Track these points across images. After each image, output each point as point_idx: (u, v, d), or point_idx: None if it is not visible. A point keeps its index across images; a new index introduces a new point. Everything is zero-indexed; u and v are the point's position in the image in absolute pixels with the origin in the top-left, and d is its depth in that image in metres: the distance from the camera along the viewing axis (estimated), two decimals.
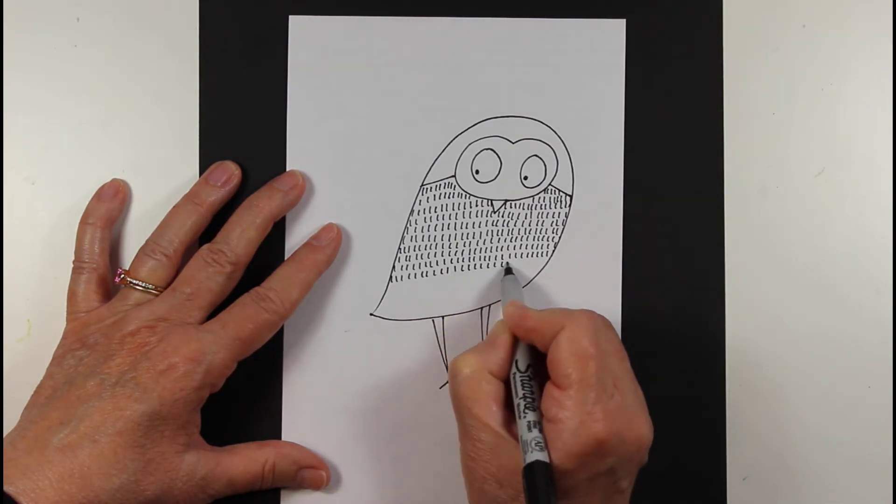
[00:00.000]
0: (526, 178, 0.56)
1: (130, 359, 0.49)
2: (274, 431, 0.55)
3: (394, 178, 0.55)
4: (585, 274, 0.56)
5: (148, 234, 0.53)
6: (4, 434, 0.50)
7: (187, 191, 0.54)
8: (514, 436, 0.47)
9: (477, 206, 0.56)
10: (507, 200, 0.56)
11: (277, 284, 0.52)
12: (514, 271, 0.55)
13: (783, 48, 0.56)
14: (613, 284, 0.56)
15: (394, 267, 0.56)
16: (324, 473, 0.55)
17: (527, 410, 0.47)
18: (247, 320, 0.51)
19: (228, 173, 0.54)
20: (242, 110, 0.55)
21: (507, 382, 0.49)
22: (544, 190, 0.56)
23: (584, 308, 0.54)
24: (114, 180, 0.55)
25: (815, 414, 0.56)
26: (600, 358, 0.46)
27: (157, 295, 0.52)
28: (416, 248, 0.55)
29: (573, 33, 0.55)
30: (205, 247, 0.52)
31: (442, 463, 0.55)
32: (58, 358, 0.51)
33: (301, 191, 0.54)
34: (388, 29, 0.55)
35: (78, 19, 0.55)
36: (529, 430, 0.46)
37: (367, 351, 0.55)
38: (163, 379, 0.49)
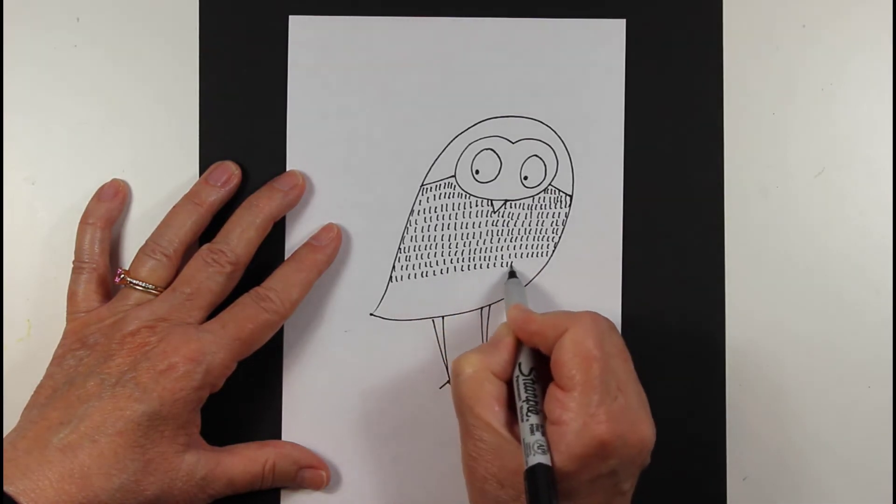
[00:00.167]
0: (526, 178, 0.56)
1: (130, 359, 0.49)
2: (274, 431, 0.55)
3: (394, 178, 0.55)
4: (585, 274, 0.56)
5: (148, 234, 0.53)
6: (4, 434, 0.50)
7: (187, 191, 0.54)
8: (516, 436, 0.47)
9: (477, 206, 0.56)
10: (507, 200, 0.56)
11: (277, 284, 0.52)
12: (517, 274, 0.55)
13: (783, 48, 0.56)
14: (613, 284, 0.56)
15: (394, 267, 0.56)
16: (324, 473, 0.55)
17: (529, 413, 0.47)
18: (247, 320, 0.51)
19: (228, 173, 0.54)
20: (242, 110, 0.55)
21: (509, 383, 0.49)
22: (544, 190, 0.56)
23: (586, 309, 0.54)
24: (114, 180, 0.55)
25: (815, 414, 0.56)
26: (604, 360, 0.46)
27: (157, 295, 0.52)
28: (416, 248, 0.56)
29: (573, 33, 0.55)
30: (205, 247, 0.52)
31: (442, 463, 0.55)
32: (58, 358, 0.51)
33: (301, 191, 0.54)
34: (388, 29, 0.55)
35: (78, 19, 0.55)
36: (532, 433, 0.46)
37: (367, 351, 0.55)
38: (163, 379, 0.49)
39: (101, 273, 0.53)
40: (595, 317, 0.48)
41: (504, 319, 0.55)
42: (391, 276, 0.55)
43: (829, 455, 0.56)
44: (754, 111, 0.56)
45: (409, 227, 0.55)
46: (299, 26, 0.55)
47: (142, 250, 0.53)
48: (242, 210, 0.53)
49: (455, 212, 0.56)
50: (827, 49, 0.56)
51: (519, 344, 0.50)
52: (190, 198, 0.54)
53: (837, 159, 0.57)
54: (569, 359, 0.47)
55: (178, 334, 0.50)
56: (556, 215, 0.56)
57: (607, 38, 0.56)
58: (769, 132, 0.56)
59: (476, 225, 0.56)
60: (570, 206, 0.56)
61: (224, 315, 0.51)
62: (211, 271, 0.52)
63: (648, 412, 0.47)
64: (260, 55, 0.55)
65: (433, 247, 0.56)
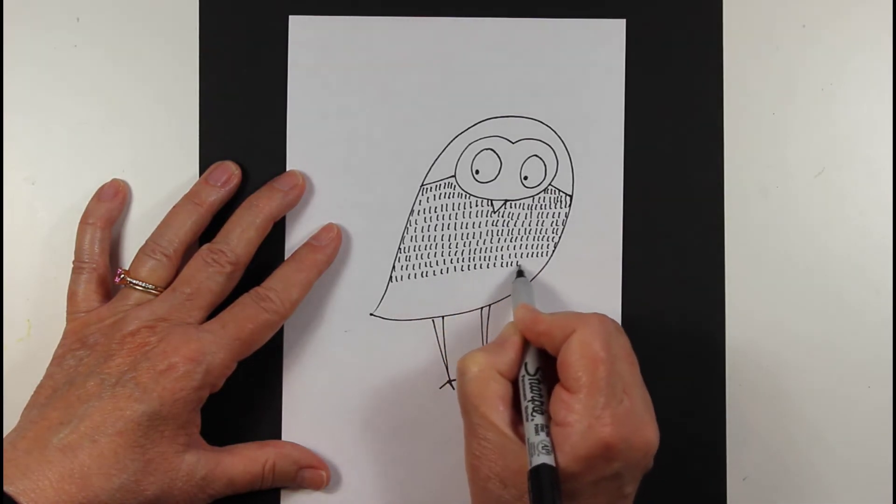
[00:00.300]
0: (526, 178, 0.56)
1: (130, 359, 0.49)
2: (274, 431, 0.55)
3: (394, 178, 0.55)
4: (585, 274, 0.56)
5: (148, 234, 0.53)
6: (4, 434, 0.50)
7: (187, 191, 0.54)
8: (521, 436, 0.47)
9: (477, 206, 0.56)
10: (507, 200, 0.56)
11: (277, 284, 0.52)
12: (525, 273, 0.55)
13: (783, 48, 0.56)
14: (613, 284, 0.56)
15: (394, 267, 0.56)
16: (324, 473, 0.55)
17: (535, 413, 0.47)
18: (247, 320, 0.51)
19: (228, 173, 0.54)
20: (242, 110, 0.55)
21: (514, 383, 0.49)
22: (544, 190, 0.56)
23: (586, 309, 0.54)
24: (114, 180, 0.55)
25: (815, 414, 0.56)
26: (611, 362, 0.46)
27: (157, 295, 0.52)
28: (416, 248, 0.55)
29: (573, 33, 0.55)
30: (205, 247, 0.52)
31: (442, 463, 0.55)
32: (58, 358, 0.51)
33: (301, 191, 0.54)
34: (388, 29, 0.55)
35: (78, 19, 0.55)
36: (537, 433, 0.46)
37: (367, 351, 0.55)
38: (163, 379, 0.49)
39: (101, 273, 0.53)
40: (603, 319, 0.48)
41: (507, 319, 0.55)
42: (391, 276, 0.55)
43: (829, 455, 0.56)
44: (754, 111, 0.56)
45: (409, 227, 0.55)
46: (299, 26, 0.55)
47: (142, 250, 0.53)
48: (242, 210, 0.53)
49: (455, 212, 0.56)
50: (827, 49, 0.56)
51: (525, 344, 0.50)
52: (190, 198, 0.54)
53: (837, 159, 0.57)
54: (575, 360, 0.47)
55: (178, 334, 0.50)
56: (556, 215, 0.56)
57: (607, 38, 0.56)
58: (769, 132, 0.56)
59: (476, 225, 0.56)
60: (570, 206, 0.56)
61: (224, 315, 0.51)
62: (211, 271, 0.52)
63: (653, 416, 0.48)
64: (260, 55, 0.55)
65: (433, 247, 0.56)
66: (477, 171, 0.56)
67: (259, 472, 0.53)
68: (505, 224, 0.56)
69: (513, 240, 0.56)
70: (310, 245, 0.54)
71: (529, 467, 0.45)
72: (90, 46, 0.55)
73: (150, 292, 0.52)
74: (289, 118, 0.55)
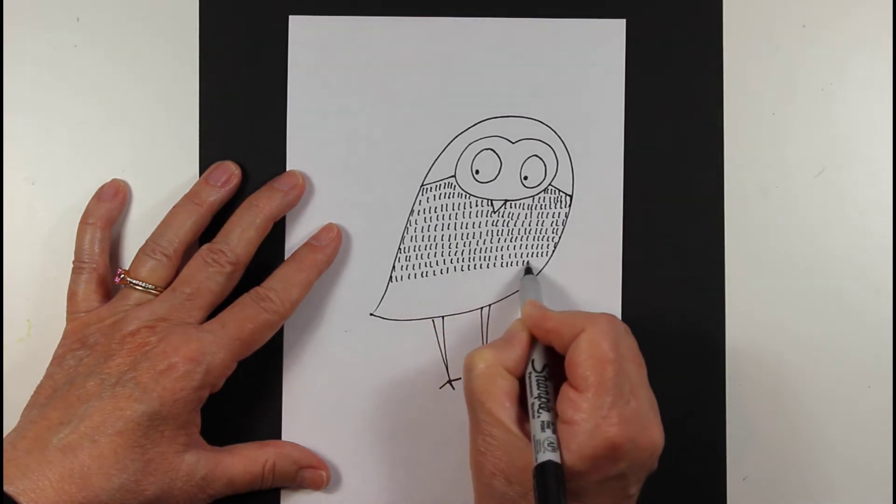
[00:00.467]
0: (526, 178, 0.56)
1: (130, 359, 0.49)
2: (274, 431, 0.55)
3: (394, 178, 0.55)
4: (585, 274, 0.56)
5: (148, 234, 0.53)
6: (4, 434, 0.50)
7: (187, 191, 0.54)
8: (526, 433, 0.47)
9: (477, 206, 0.56)
10: (507, 200, 0.56)
11: (277, 284, 0.52)
12: (533, 271, 0.55)
13: (783, 48, 0.56)
14: (613, 284, 0.56)
15: (394, 267, 0.56)
16: (324, 473, 0.55)
17: (541, 410, 0.47)
18: (247, 320, 0.51)
19: (228, 173, 0.54)
20: (242, 110, 0.55)
21: (521, 380, 0.49)
22: (544, 190, 0.56)
23: (586, 309, 0.54)
24: (114, 180, 0.55)
25: (814, 414, 0.56)
26: (619, 362, 0.47)
27: (157, 295, 0.52)
28: (416, 248, 0.55)
29: (573, 33, 0.55)
30: (205, 247, 0.52)
31: (442, 463, 0.55)
32: (58, 358, 0.51)
33: (301, 191, 0.54)
34: (388, 29, 0.55)
35: (78, 19, 0.55)
36: (543, 430, 0.46)
37: (367, 351, 0.55)
38: (163, 379, 0.49)
39: (101, 273, 0.53)
40: (612, 319, 0.48)
41: (507, 319, 0.56)
42: (391, 276, 0.55)
43: (829, 455, 0.56)
44: (754, 111, 0.56)
45: (409, 227, 0.55)
46: (299, 26, 0.55)
47: (142, 250, 0.53)
48: (242, 210, 0.53)
49: (455, 212, 0.56)
50: (827, 49, 0.56)
51: (533, 341, 0.50)
52: (190, 198, 0.54)
53: (837, 159, 0.56)
54: (584, 359, 0.47)
55: (178, 334, 0.50)
56: (556, 215, 0.56)
57: (607, 38, 0.56)
58: (769, 132, 0.56)
59: (476, 225, 0.56)
60: (570, 206, 0.56)
61: (224, 315, 0.51)
62: (211, 271, 0.52)
63: (658, 417, 0.48)
64: (260, 55, 0.55)
65: (433, 247, 0.56)
66: (477, 171, 0.56)
67: (259, 472, 0.53)
68: (505, 224, 0.56)
69: (513, 240, 0.56)
70: (310, 245, 0.54)
71: (535, 464, 0.45)
72: (90, 46, 0.55)
73: (150, 292, 0.52)
74: (289, 118, 0.55)
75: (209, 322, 0.51)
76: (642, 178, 0.56)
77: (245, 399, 0.55)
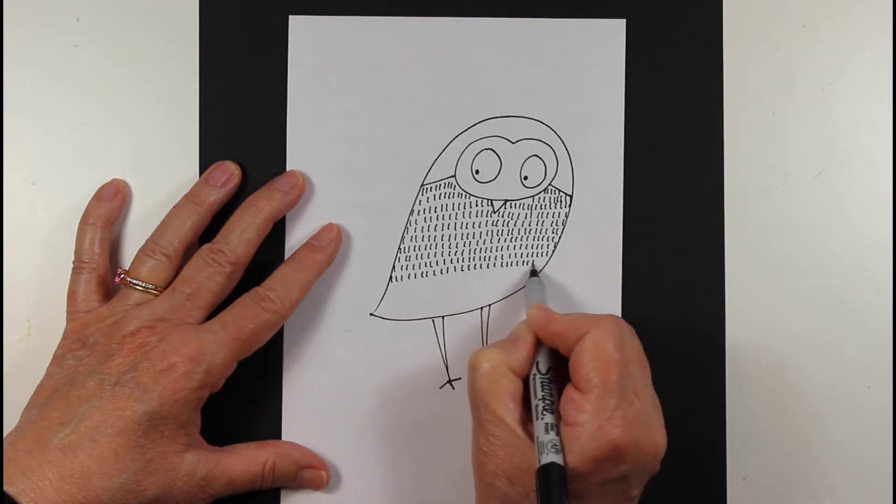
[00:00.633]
0: (526, 178, 0.56)
1: (130, 359, 0.49)
2: (274, 431, 0.55)
3: (394, 178, 0.55)
4: (585, 274, 0.56)
5: (148, 234, 0.53)
6: (4, 434, 0.50)
7: (187, 191, 0.54)
8: (529, 434, 0.47)
9: (477, 206, 0.56)
10: (507, 200, 0.56)
11: (277, 284, 0.52)
12: (538, 273, 0.55)
13: (783, 48, 0.56)
14: (613, 284, 0.56)
15: (394, 267, 0.55)
16: (324, 473, 0.55)
17: (545, 412, 0.47)
18: (247, 320, 0.51)
19: (228, 173, 0.54)
20: (242, 110, 0.55)
21: (525, 381, 0.49)
22: (544, 190, 0.56)
23: (586, 309, 0.54)
24: (114, 180, 0.55)
25: (814, 414, 0.56)
26: (623, 364, 0.47)
27: (157, 295, 0.52)
28: (416, 248, 0.55)
29: (573, 33, 0.55)
30: (205, 247, 0.52)
31: (442, 462, 0.55)
32: (58, 358, 0.51)
33: (301, 191, 0.54)
34: (388, 29, 0.55)
35: (78, 19, 0.55)
36: (546, 431, 0.46)
37: (368, 351, 0.55)
38: (163, 379, 0.49)
39: (101, 273, 0.53)
40: (618, 321, 0.48)
41: (507, 318, 0.56)
42: (391, 276, 0.55)
43: (829, 455, 0.56)
44: (754, 111, 0.56)
45: (409, 227, 0.55)
46: (299, 26, 0.55)
47: (142, 250, 0.53)
48: (242, 210, 0.53)
49: (455, 212, 0.56)
50: (827, 49, 0.56)
51: (538, 343, 0.50)
52: (190, 198, 0.54)
53: (837, 159, 0.57)
54: (588, 361, 0.47)
55: (178, 334, 0.50)
56: (556, 215, 0.56)
57: (607, 38, 0.56)
58: (769, 132, 0.56)
59: (476, 225, 0.56)
60: (570, 206, 0.56)
61: (224, 315, 0.51)
62: (211, 271, 0.52)
63: (662, 420, 0.48)
64: (260, 55, 0.55)
65: (433, 247, 0.56)
66: (477, 171, 0.56)
67: (259, 471, 0.53)
68: (505, 224, 0.56)
69: (513, 240, 0.56)
70: (310, 245, 0.54)
71: (538, 465, 0.45)
72: (90, 46, 0.55)
73: (150, 292, 0.52)
74: (289, 118, 0.55)
75: (209, 322, 0.51)
76: (642, 178, 0.56)
77: (245, 399, 0.55)
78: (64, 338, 0.52)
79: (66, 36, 0.55)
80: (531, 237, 0.56)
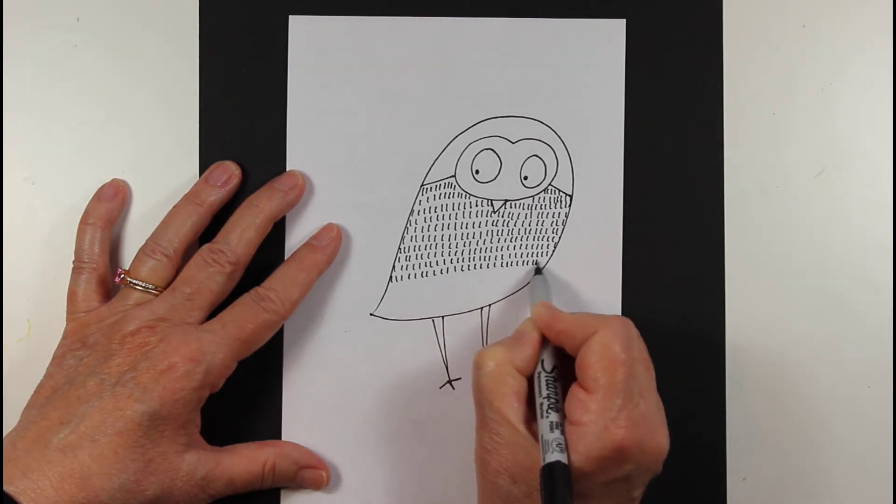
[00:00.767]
0: (526, 178, 0.56)
1: (130, 359, 0.49)
2: (274, 431, 0.55)
3: (394, 178, 0.55)
4: (585, 274, 0.56)
5: (148, 234, 0.53)
6: (4, 434, 0.50)
7: (187, 191, 0.54)
8: (533, 433, 0.47)
9: (477, 206, 0.56)
10: (507, 200, 0.56)
11: (277, 284, 0.52)
12: (543, 271, 0.55)
13: (783, 48, 0.56)
14: (613, 284, 0.56)
15: (394, 267, 0.55)
16: (324, 473, 0.55)
17: (549, 411, 0.47)
18: (247, 320, 0.51)
19: (228, 173, 0.54)
20: (242, 110, 0.55)
21: (530, 380, 0.49)
22: (544, 190, 0.56)
23: (586, 309, 0.54)
24: (114, 180, 0.55)
25: (814, 414, 0.56)
26: (630, 365, 0.47)
27: (157, 295, 0.52)
28: (416, 248, 0.55)
29: (573, 33, 0.55)
30: (205, 247, 0.52)
31: (442, 462, 0.55)
32: (58, 358, 0.51)
33: (301, 191, 0.54)
34: (388, 29, 0.55)
35: (78, 19, 0.55)
36: (551, 430, 0.46)
37: (368, 351, 0.55)
38: (163, 379, 0.49)
39: (101, 273, 0.53)
40: (625, 322, 0.48)
41: (506, 318, 0.56)
42: (391, 276, 0.55)
43: (829, 455, 0.56)
44: (754, 111, 0.56)
45: (409, 227, 0.55)
46: (299, 26, 0.55)
47: (142, 250, 0.53)
48: (242, 210, 0.53)
49: (455, 212, 0.56)
50: (827, 49, 0.56)
51: (543, 341, 0.50)
52: (190, 198, 0.54)
53: (837, 159, 0.56)
54: (595, 361, 0.47)
55: (179, 334, 0.50)
56: (556, 215, 0.56)
57: (607, 38, 0.56)
58: (769, 132, 0.56)
59: (476, 225, 0.56)
60: (570, 206, 0.56)
61: (224, 315, 0.51)
62: (211, 271, 0.52)
63: (665, 422, 0.48)
64: (260, 55, 0.55)
65: (433, 247, 0.56)
66: (477, 171, 0.56)
67: (259, 472, 0.53)
68: (505, 224, 0.56)
69: (513, 240, 0.56)
70: (310, 245, 0.54)
71: (542, 464, 0.45)
72: (90, 46, 0.55)
73: (150, 292, 0.52)
74: (289, 118, 0.55)
75: (209, 322, 0.51)
76: (642, 178, 0.56)
77: (245, 399, 0.55)
78: (64, 338, 0.52)
79: (66, 36, 0.55)
80: (531, 237, 0.56)
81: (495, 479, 0.47)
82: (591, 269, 0.56)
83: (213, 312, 0.52)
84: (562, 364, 0.50)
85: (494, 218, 0.56)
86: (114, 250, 0.55)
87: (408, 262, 0.55)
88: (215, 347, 0.50)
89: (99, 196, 0.54)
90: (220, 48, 0.55)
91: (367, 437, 0.55)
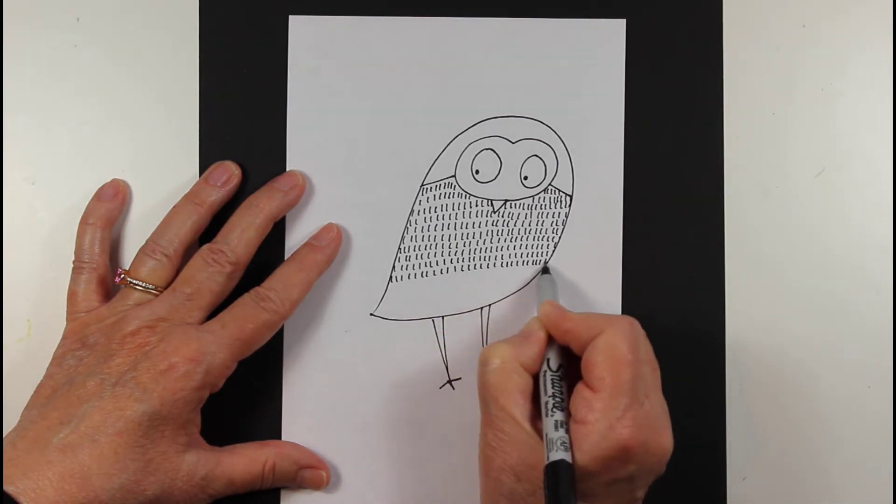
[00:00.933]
0: (526, 178, 0.56)
1: (130, 359, 0.49)
2: (274, 431, 0.55)
3: (394, 178, 0.55)
4: (585, 274, 0.56)
5: (148, 234, 0.53)
6: (4, 434, 0.50)
7: (187, 191, 0.54)
8: (538, 431, 0.47)
9: (477, 206, 0.56)
10: (507, 200, 0.56)
11: (277, 284, 0.52)
12: (550, 271, 0.55)
13: (783, 48, 0.56)
14: (613, 284, 0.56)
15: (394, 267, 0.55)
16: (324, 473, 0.55)
17: (555, 409, 0.47)
18: (247, 320, 0.51)
19: (228, 173, 0.54)
20: (242, 110, 0.55)
21: (535, 378, 0.49)
22: (544, 190, 0.56)
23: (586, 309, 0.54)
24: (114, 180, 0.55)
25: (815, 414, 0.56)
26: (636, 365, 0.47)
27: (157, 295, 0.52)
28: (416, 248, 0.55)
29: (573, 33, 0.55)
30: (205, 247, 0.52)
31: (442, 462, 0.55)
32: (58, 358, 0.51)
33: (301, 191, 0.54)
34: (388, 29, 0.55)
35: (78, 19, 0.55)
36: (556, 429, 0.46)
37: (368, 351, 0.55)
38: (163, 379, 0.49)
39: (101, 273, 0.53)
40: (632, 322, 0.48)
41: (506, 318, 0.56)
42: (391, 276, 0.55)
43: (829, 455, 0.56)
44: (754, 111, 0.56)
45: (409, 227, 0.55)
46: (299, 26, 0.55)
47: (142, 250, 0.53)
48: (242, 210, 0.53)
49: (455, 212, 0.56)
50: (827, 49, 0.56)
51: (549, 340, 0.50)
52: (190, 198, 0.54)
53: (837, 159, 0.56)
54: (602, 360, 0.47)
55: (179, 334, 0.50)
56: (556, 215, 0.56)
57: (607, 38, 0.56)
58: (769, 132, 0.56)
59: (476, 225, 0.56)
60: (570, 206, 0.56)
61: (224, 315, 0.51)
62: (211, 271, 0.52)
63: (669, 422, 0.48)
64: (260, 55, 0.55)
65: (433, 247, 0.56)
66: (477, 171, 0.56)
67: (259, 472, 0.53)
68: (505, 224, 0.56)
69: (513, 240, 0.56)
70: (310, 245, 0.54)
71: (546, 462, 0.45)
72: (90, 46, 0.55)
73: (150, 292, 0.52)
74: (289, 118, 0.55)
75: (209, 322, 0.51)
76: (642, 178, 0.56)
77: (245, 399, 0.55)
78: (64, 338, 0.52)
79: (66, 36, 0.55)
80: (531, 237, 0.56)
81: (499, 476, 0.47)
82: (591, 269, 0.56)
83: (214, 312, 0.52)
84: (567, 363, 0.50)
85: (494, 218, 0.56)
86: (114, 250, 0.55)
87: (408, 262, 0.55)
88: (215, 347, 0.50)
89: (99, 196, 0.54)
90: (220, 48, 0.55)
91: (367, 437, 0.55)
